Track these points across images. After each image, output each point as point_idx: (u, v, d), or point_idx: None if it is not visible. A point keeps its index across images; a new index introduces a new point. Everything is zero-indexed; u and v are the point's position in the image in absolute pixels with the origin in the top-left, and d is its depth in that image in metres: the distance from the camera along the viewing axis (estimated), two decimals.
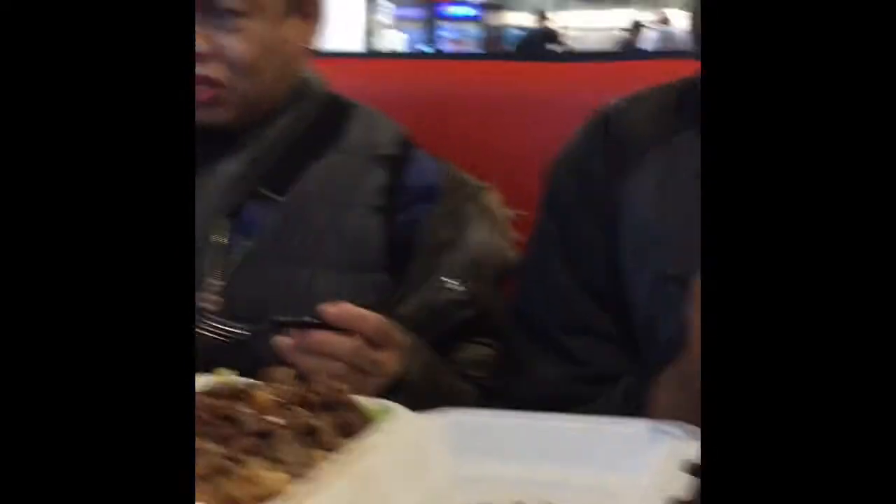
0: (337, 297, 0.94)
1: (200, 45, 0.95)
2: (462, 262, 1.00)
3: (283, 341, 0.80)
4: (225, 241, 0.98)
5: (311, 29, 1.05)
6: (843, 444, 0.45)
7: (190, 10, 0.57)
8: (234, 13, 0.95)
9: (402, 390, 0.85)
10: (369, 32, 7.37)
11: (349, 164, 1.04)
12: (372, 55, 4.10)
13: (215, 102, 0.98)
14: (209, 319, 0.94)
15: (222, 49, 0.96)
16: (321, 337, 0.79)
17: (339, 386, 0.71)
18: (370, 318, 0.82)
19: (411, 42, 8.05)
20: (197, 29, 0.94)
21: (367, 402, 0.71)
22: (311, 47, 1.06)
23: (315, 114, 1.07)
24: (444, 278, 0.99)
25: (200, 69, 0.95)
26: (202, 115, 0.99)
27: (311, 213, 1.01)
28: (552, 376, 0.92)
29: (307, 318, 0.80)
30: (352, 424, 0.67)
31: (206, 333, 0.93)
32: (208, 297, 0.96)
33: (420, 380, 0.88)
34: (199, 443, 0.62)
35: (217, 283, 0.96)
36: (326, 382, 0.71)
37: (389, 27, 7.89)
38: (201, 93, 0.96)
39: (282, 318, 0.82)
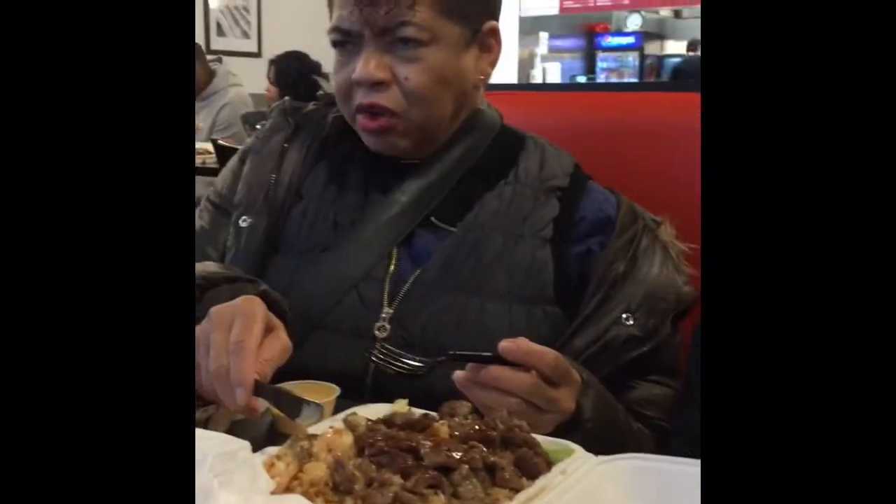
0: (508, 328, 0.93)
1: (379, 73, 0.96)
2: (638, 297, 0.96)
3: (459, 375, 0.79)
4: (394, 268, 0.99)
5: (490, 61, 1.05)
6: (843, 443, 0.44)
7: (189, 14, 0.56)
8: (416, 42, 0.96)
9: (576, 428, 0.82)
10: (524, 64, 7.38)
11: (522, 195, 1.03)
12: (535, 87, 4.09)
13: (389, 131, 0.99)
14: (382, 348, 0.95)
15: (401, 78, 0.97)
16: (497, 372, 0.78)
17: (519, 423, 0.69)
18: (547, 354, 0.80)
19: (567, 72, 8.01)
20: (376, 57, 0.96)
21: (547, 441, 0.69)
22: (488, 79, 1.06)
23: (489, 145, 1.07)
24: (620, 313, 0.95)
25: (376, 98, 0.97)
26: (376, 144, 1.01)
27: (482, 243, 1.00)
28: None
29: (484, 353, 0.79)
30: (532, 463, 0.65)
31: (380, 362, 0.94)
32: (380, 326, 0.97)
33: (593, 418, 0.85)
34: (380, 473, 0.62)
35: (388, 310, 0.97)
36: (505, 419, 0.69)
37: (545, 58, 7.88)
38: (374, 120, 0.98)
39: (458, 353, 0.81)
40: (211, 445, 0.56)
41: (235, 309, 0.80)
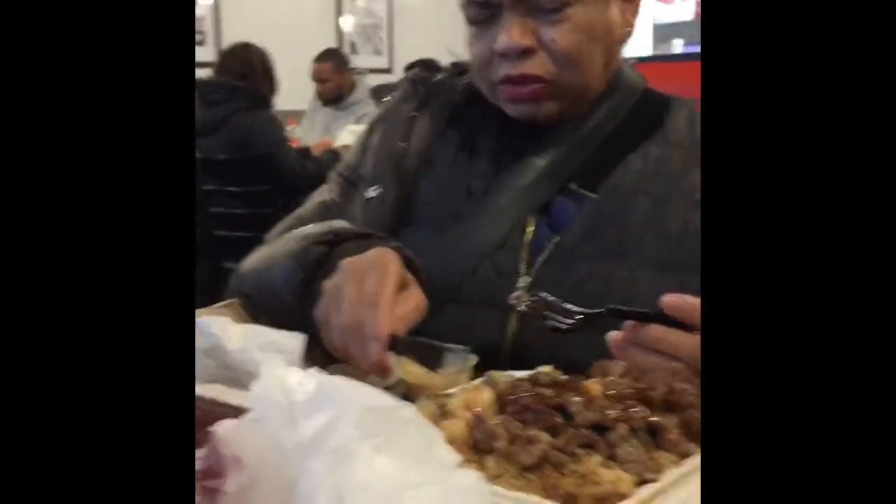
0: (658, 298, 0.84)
1: (524, 40, 0.89)
2: None
3: (614, 335, 0.70)
4: (531, 236, 0.92)
5: (633, 10, 0.97)
6: (843, 443, 0.43)
7: (190, 13, 0.52)
8: (559, 3, 0.88)
9: None
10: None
11: (671, 155, 0.94)
12: (669, 58, 3.95)
13: (539, 97, 0.92)
14: (519, 316, 0.88)
15: (548, 42, 0.89)
16: (660, 332, 0.68)
17: (683, 385, 0.60)
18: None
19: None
20: (519, 23, 0.89)
21: None
22: (633, 31, 0.98)
23: (633, 105, 0.98)
24: None
25: (524, 67, 0.90)
26: (523, 111, 0.94)
27: (627, 207, 0.91)
28: None
29: (644, 311, 0.69)
30: (697, 426, 0.56)
31: (521, 326, 0.87)
32: (517, 296, 0.89)
33: None
34: (526, 430, 0.54)
35: (525, 279, 0.90)
36: (668, 380, 0.60)
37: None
38: (524, 87, 0.91)
39: (615, 307, 0.71)
40: (353, 396, 0.44)
41: (369, 261, 0.75)
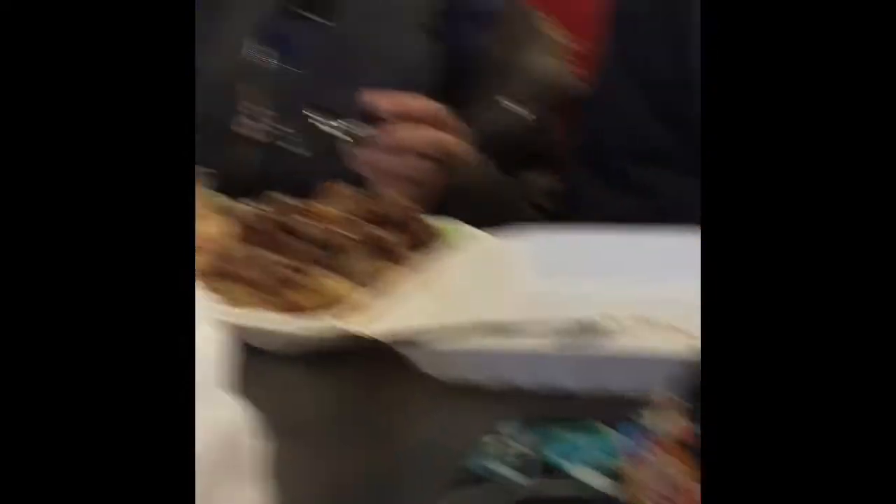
0: None
1: None
2: (522, 87, 0.93)
3: (364, 153, 0.72)
4: (272, 66, 0.92)
5: None
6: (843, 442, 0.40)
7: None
8: None
9: (466, 204, 0.79)
10: None
11: None
12: None
13: None
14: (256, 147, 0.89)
15: None
16: (402, 132, 0.71)
17: (403, 200, 0.66)
18: (430, 102, 0.75)
19: None
20: None
21: (435, 220, 0.67)
22: None
23: None
24: (504, 100, 0.92)
25: None
26: None
27: (360, 34, 0.93)
28: (618, 209, 0.86)
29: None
30: (423, 240, 0.63)
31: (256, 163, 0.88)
32: (258, 127, 0.90)
33: (483, 192, 0.82)
34: (258, 252, 0.58)
35: (258, 108, 0.90)
36: (392, 197, 0.66)
37: None
38: None
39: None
40: None
41: None
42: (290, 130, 0.75)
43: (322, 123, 0.75)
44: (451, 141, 0.75)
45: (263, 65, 0.91)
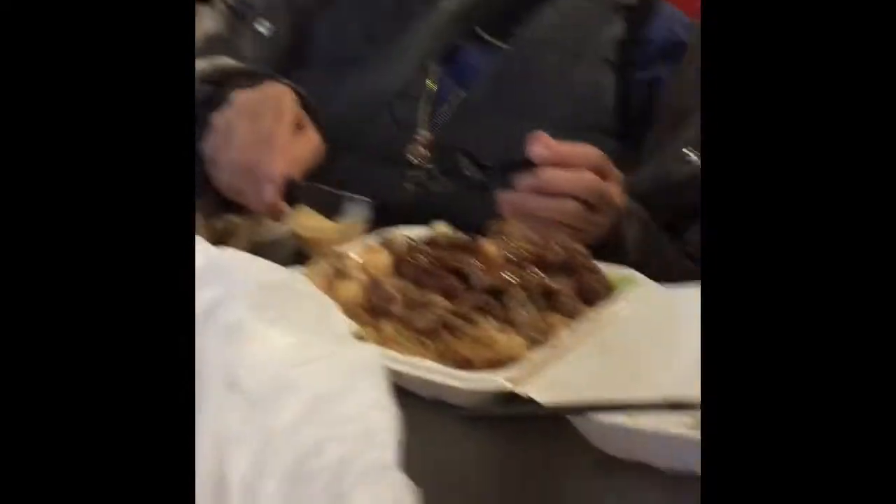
0: None
1: None
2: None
3: (508, 195, 0.69)
4: (435, 87, 0.89)
5: None
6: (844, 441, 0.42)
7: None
8: None
9: (622, 258, 0.73)
10: None
11: (585, 9, 0.91)
12: None
13: None
14: (416, 172, 0.86)
15: None
16: (552, 174, 0.67)
17: (578, 247, 0.61)
18: (590, 149, 0.70)
19: None
20: None
21: (608, 268, 0.61)
22: None
23: None
24: (685, 150, 0.85)
25: None
26: None
27: (535, 62, 0.88)
28: None
29: (523, 159, 0.68)
30: (594, 290, 0.57)
31: (414, 186, 0.85)
32: (416, 150, 0.87)
33: (637, 248, 0.76)
34: (423, 294, 0.54)
35: (424, 133, 0.87)
36: (564, 242, 0.61)
37: None
38: None
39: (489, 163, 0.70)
40: (244, 270, 0.43)
41: (262, 97, 0.70)
42: (459, 161, 0.72)
43: (474, 173, 0.71)
44: (609, 187, 0.70)
45: (437, 87, 0.88)
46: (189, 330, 0.44)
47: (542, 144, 0.67)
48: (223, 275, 0.42)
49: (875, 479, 0.41)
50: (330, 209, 0.68)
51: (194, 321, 0.44)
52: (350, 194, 0.68)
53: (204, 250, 0.44)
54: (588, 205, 0.67)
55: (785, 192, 0.45)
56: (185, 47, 0.46)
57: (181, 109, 0.45)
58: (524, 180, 0.67)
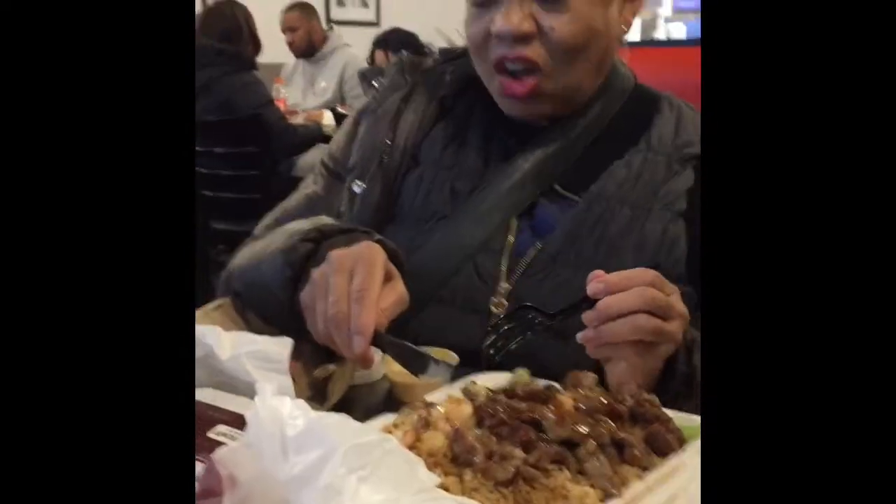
0: None
1: (524, 25, 0.89)
2: None
3: (583, 334, 0.74)
4: (514, 240, 0.95)
5: (633, 10, 0.97)
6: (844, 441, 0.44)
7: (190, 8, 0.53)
8: None
9: (688, 395, 0.76)
10: (647, 26, 7.14)
11: (654, 163, 0.96)
12: (661, 43, 3.94)
13: (536, 96, 0.93)
14: (497, 321, 0.91)
15: (546, 30, 0.89)
16: (610, 299, 0.72)
17: (649, 397, 0.64)
18: (641, 270, 0.75)
19: (692, 33, 7.69)
20: (519, 6, 0.89)
21: (680, 417, 0.64)
22: (629, 31, 0.98)
23: (622, 106, 1.00)
24: None
25: (521, 50, 0.90)
26: (518, 110, 0.95)
27: (608, 216, 0.93)
28: None
29: (583, 298, 0.73)
30: (664, 440, 0.60)
31: (496, 335, 0.90)
32: (497, 301, 0.93)
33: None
34: (502, 446, 0.58)
35: (504, 285, 0.93)
36: (634, 392, 0.65)
37: (669, 19, 7.60)
38: (521, 83, 0.92)
39: (559, 309, 0.76)
40: (341, 434, 0.48)
41: (357, 254, 0.77)
42: (527, 312, 0.77)
43: (543, 321, 0.77)
44: (670, 299, 0.74)
45: (516, 240, 0.94)
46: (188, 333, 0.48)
47: (596, 280, 0.73)
48: (321, 438, 0.47)
49: (875, 478, 0.42)
50: (416, 367, 0.73)
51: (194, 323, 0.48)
52: (434, 356, 0.73)
53: (304, 415, 0.50)
54: (656, 316, 0.71)
55: (785, 192, 0.46)
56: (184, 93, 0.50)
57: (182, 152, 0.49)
58: (590, 314, 0.72)
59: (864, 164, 0.46)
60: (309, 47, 4.14)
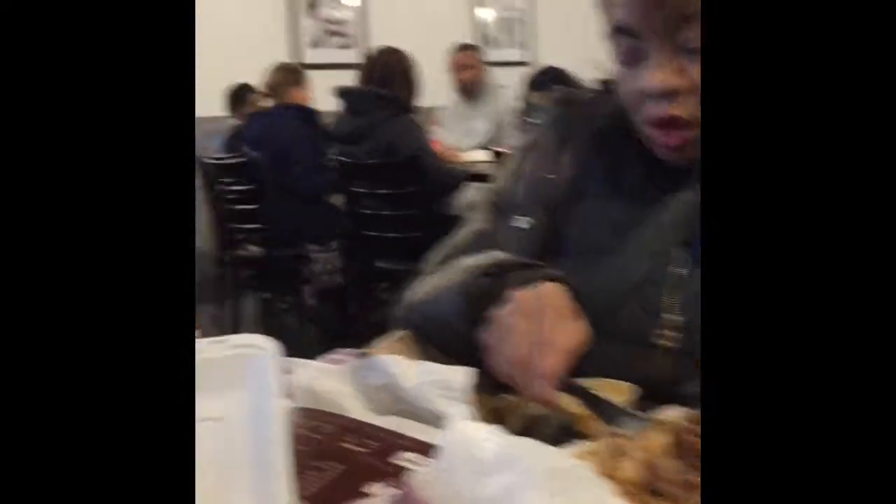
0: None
1: (672, 81, 0.85)
2: None
3: None
4: (685, 272, 0.90)
5: None
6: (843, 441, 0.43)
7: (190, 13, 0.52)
8: None
9: None
10: None
11: None
12: None
13: (686, 146, 0.89)
14: (667, 354, 0.87)
15: (698, 83, 0.85)
16: None
17: None
18: None
19: None
20: (667, 62, 0.86)
21: None
22: None
23: None
24: None
25: (671, 109, 0.87)
26: (674, 157, 0.92)
27: None
28: None
29: None
30: None
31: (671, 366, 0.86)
32: (664, 334, 0.89)
33: None
34: (695, 475, 0.55)
35: (677, 318, 0.88)
36: None
37: None
38: (669, 136, 0.89)
39: None
40: (535, 457, 0.48)
41: (542, 299, 0.77)
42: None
43: None
44: None
45: (679, 271, 0.90)
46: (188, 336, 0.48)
47: None
48: (515, 463, 0.46)
49: (875, 479, 0.41)
50: (607, 418, 0.70)
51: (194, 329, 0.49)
52: (631, 411, 0.70)
53: (496, 438, 0.49)
54: None
55: (785, 193, 0.45)
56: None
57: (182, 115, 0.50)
58: None
59: (864, 164, 0.45)
60: (474, 89, 4.22)
